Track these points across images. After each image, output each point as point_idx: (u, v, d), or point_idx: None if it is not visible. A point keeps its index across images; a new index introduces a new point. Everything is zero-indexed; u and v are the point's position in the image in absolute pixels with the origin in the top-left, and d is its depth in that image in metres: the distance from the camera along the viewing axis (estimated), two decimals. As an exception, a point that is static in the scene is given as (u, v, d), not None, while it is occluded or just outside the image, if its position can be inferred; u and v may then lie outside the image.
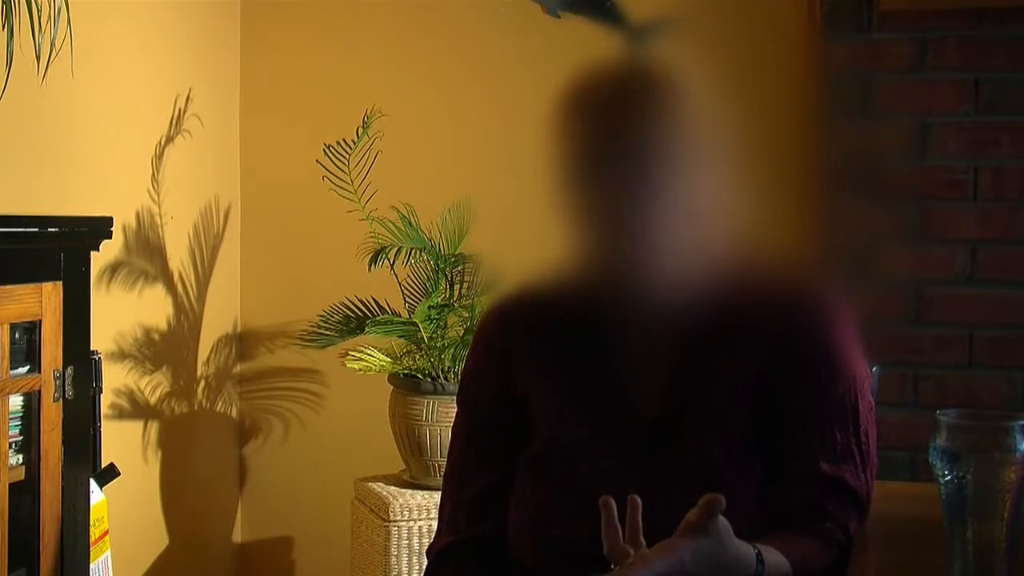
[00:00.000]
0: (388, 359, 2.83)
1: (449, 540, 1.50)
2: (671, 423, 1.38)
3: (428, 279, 2.87)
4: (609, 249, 1.37)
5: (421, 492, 2.77)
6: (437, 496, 2.77)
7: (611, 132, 1.35)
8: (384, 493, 2.77)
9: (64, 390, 2.05)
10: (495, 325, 1.52)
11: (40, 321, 2.01)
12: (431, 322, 2.79)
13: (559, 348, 1.44)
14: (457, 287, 2.88)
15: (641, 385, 1.40)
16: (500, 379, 1.48)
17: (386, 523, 2.71)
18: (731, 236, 1.39)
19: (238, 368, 3.36)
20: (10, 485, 1.96)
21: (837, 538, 1.34)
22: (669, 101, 1.36)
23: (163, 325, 3.03)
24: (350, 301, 2.90)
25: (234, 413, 3.36)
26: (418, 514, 2.72)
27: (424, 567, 1.58)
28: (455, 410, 2.85)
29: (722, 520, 1.18)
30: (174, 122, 3.04)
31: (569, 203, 1.39)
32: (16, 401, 1.99)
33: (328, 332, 2.87)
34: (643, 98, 1.35)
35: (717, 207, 1.37)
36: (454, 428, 1.56)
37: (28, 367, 2.01)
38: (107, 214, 2.20)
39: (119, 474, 2.47)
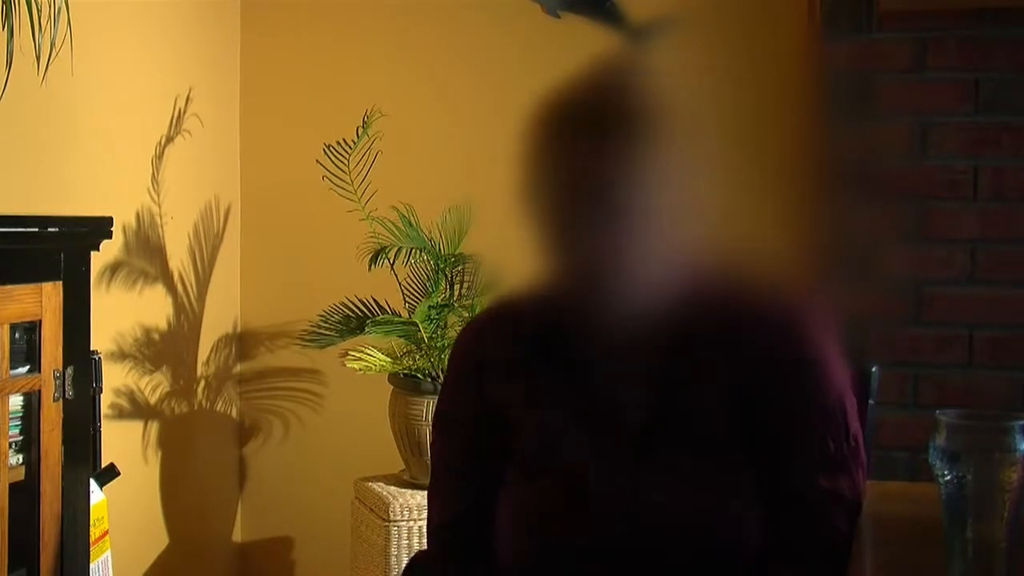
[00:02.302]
0: (388, 359, 2.83)
1: (436, 549, 1.51)
2: (655, 431, 1.37)
3: (428, 279, 2.87)
4: (581, 265, 1.34)
5: (421, 492, 2.77)
6: (437, 496, 2.78)
7: (584, 148, 1.31)
8: (384, 493, 2.77)
9: (64, 390, 2.05)
10: (469, 344, 1.51)
11: (40, 321, 2.01)
12: (431, 322, 2.79)
13: (536, 363, 1.42)
14: (457, 287, 2.88)
15: (623, 397, 1.39)
16: (477, 399, 1.46)
17: (386, 523, 2.71)
18: (713, 246, 1.38)
19: (238, 368, 3.36)
20: (10, 485, 1.96)
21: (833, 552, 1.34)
22: (644, 115, 1.32)
23: (163, 325, 3.03)
24: (350, 301, 2.90)
25: (234, 413, 3.36)
26: (418, 514, 2.72)
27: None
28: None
29: None
30: (174, 122, 3.04)
31: (539, 219, 1.35)
32: (16, 401, 1.99)
33: (328, 332, 2.87)
34: (617, 112, 1.32)
35: (699, 219, 1.35)
36: (433, 448, 1.54)
37: (28, 367, 2.01)
38: (107, 214, 2.21)
39: (119, 474, 2.47)
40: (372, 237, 2.81)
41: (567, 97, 1.37)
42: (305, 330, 2.92)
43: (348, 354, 2.84)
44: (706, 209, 1.36)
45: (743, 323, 1.36)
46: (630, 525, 1.34)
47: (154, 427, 3.01)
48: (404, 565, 2.68)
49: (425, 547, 2.76)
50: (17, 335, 2.00)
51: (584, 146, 1.31)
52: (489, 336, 1.48)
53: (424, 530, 2.70)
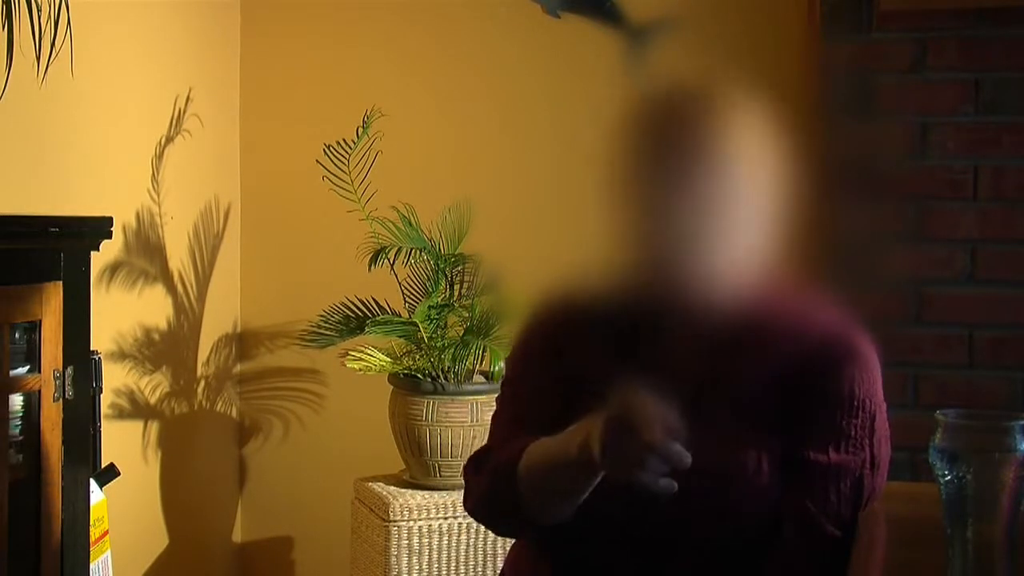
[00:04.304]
0: (388, 359, 2.83)
1: (492, 443, 1.61)
2: (702, 399, 1.47)
3: (428, 279, 2.87)
4: (664, 252, 1.46)
5: (421, 492, 2.77)
6: (437, 496, 2.80)
7: (682, 146, 1.44)
8: (384, 493, 2.77)
9: (64, 390, 2.05)
10: (543, 317, 1.64)
11: (40, 321, 2.01)
12: (431, 322, 2.79)
13: (600, 340, 1.55)
14: (457, 287, 2.88)
15: (678, 370, 1.49)
16: (546, 364, 1.58)
17: (386, 523, 2.71)
18: (771, 249, 1.48)
19: (238, 368, 3.36)
20: (10, 485, 1.95)
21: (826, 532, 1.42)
22: (739, 124, 1.47)
23: (163, 325, 3.03)
24: (350, 301, 2.90)
25: (234, 413, 3.36)
26: (418, 514, 2.72)
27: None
28: (455, 410, 2.88)
29: None
30: (174, 122, 3.04)
31: (630, 205, 1.48)
32: (16, 401, 1.99)
33: (328, 332, 2.87)
34: (716, 118, 1.46)
35: (764, 222, 1.47)
36: (503, 381, 1.66)
37: (28, 367, 2.01)
38: (107, 214, 2.20)
39: (119, 474, 2.47)
40: (372, 237, 2.81)
41: (664, 98, 1.51)
42: (305, 330, 2.92)
43: (348, 354, 2.84)
44: (779, 211, 1.48)
45: (802, 333, 1.48)
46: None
47: (154, 427, 3.01)
48: (405, 564, 2.69)
49: (426, 546, 2.77)
50: (17, 335, 1.99)
51: (678, 144, 1.44)
52: (564, 318, 1.60)
53: (423, 530, 2.71)
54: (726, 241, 1.45)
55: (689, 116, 1.46)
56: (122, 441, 2.85)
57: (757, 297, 1.48)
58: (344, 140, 2.81)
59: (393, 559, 2.70)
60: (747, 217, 1.45)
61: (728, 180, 1.44)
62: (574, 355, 1.55)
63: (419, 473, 2.82)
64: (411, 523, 2.72)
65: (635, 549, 1.44)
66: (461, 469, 1.66)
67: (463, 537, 2.73)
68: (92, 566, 2.24)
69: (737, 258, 1.46)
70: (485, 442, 1.64)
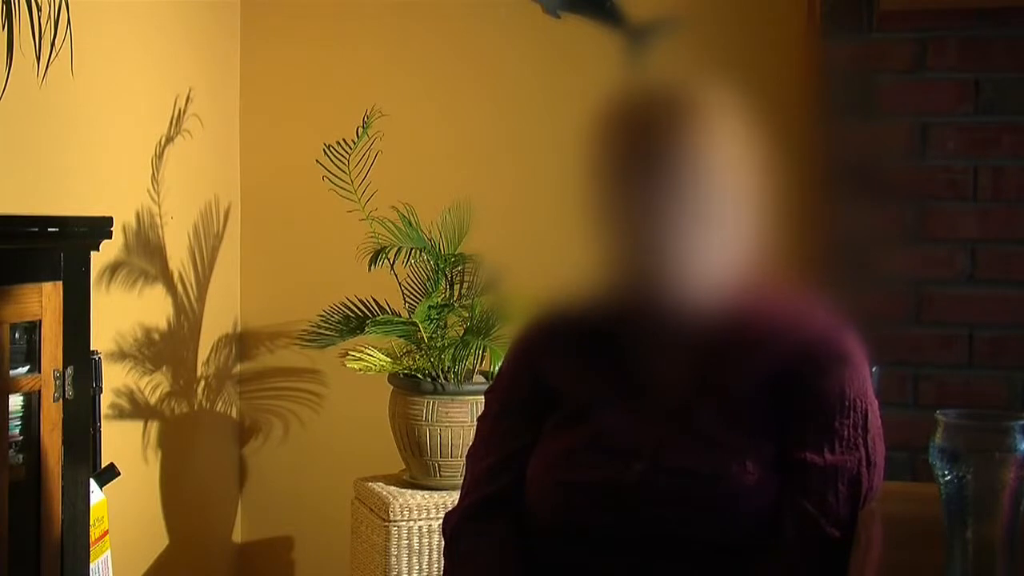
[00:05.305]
0: (388, 359, 2.83)
1: (469, 501, 1.58)
2: (692, 405, 1.47)
3: (428, 279, 2.87)
4: (641, 261, 1.46)
5: (421, 492, 2.77)
6: (437, 496, 2.80)
7: (651, 151, 1.43)
8: (384, 493, 2.77)
9: (64, 390, 2.05)
10: (530, 335, 1.63)
11: (40, 321, 2.01)
12: (431, 322, 2.79)
13: (587, 352, 1.53)
14: (457, 287, 2.88)
15: (666, 376, 1.50)
16: (532, 378, 1.57)
17: (386, 523, 2.71)
18: (753, 252, 1.47)
19: (238, 368, 3.36)
20: (10, 485, 1.95)
21: (826, 532, 1.41)
22: (708, 126, 1.45)
23: (163, 325, 3.03)
24: (350, 301, 2.90)
25: (234, 413, 3.36)
26: (418, 514, 2.72)
27: (440, 542, 1.66)
28: (455, 410, 2.88)
29: None
30: (174, 122, 3.04)
31: (603, 215, 1.48)
32: (16, 401, 1.99)
33: (328, 332, 2.87)
34: (684, 120, 1.45)
35: (742, 224, 1.46)
36: (480, 417, 1.65)
37: (28, 367, 2.01)
38: (107, 214, 2.20)
39: (119, 474, 2.47)
40: (372, 237, 2.81)
41: (636, 100, 1.50)
42: (305, 330, 2.92)
43: (348, 354, 2.84)
44: (760, 211, 1.47)
45: (787, 337, 1.47)
46: (649, 467, 1.43)
47: (154, 427, 3.01)
48: (405, 564, 2.69)
49: (426, 546, 2.76)
50: (17, 335, 2.00)
51: (652, 147, 1.43)
52: (551, 333, 1.60)
53: (423, 530, 2.71)
54: (709, 245, 1.44)
55: (665, 119, 1.44)
56: (122, 441, 2.85)
57: (743, 301, 1.47)
58: (344, 140, 2.81)
59: (393, 559, 2.70)
60: (730, 220, 1.45)
61: (707, 183, 1.43)
62: (561, 375, 1.54)
63: (419, 473, 2.82)
64: (411, 523, 2.72)
65: (627, 552, 1.44)
66: (443, 525, 1.63)
67: (463, 537, 2.73)
68: (92, 566, 2.24)
69: (721, 262, 1.45)
70: (462, 481, 1.62)
